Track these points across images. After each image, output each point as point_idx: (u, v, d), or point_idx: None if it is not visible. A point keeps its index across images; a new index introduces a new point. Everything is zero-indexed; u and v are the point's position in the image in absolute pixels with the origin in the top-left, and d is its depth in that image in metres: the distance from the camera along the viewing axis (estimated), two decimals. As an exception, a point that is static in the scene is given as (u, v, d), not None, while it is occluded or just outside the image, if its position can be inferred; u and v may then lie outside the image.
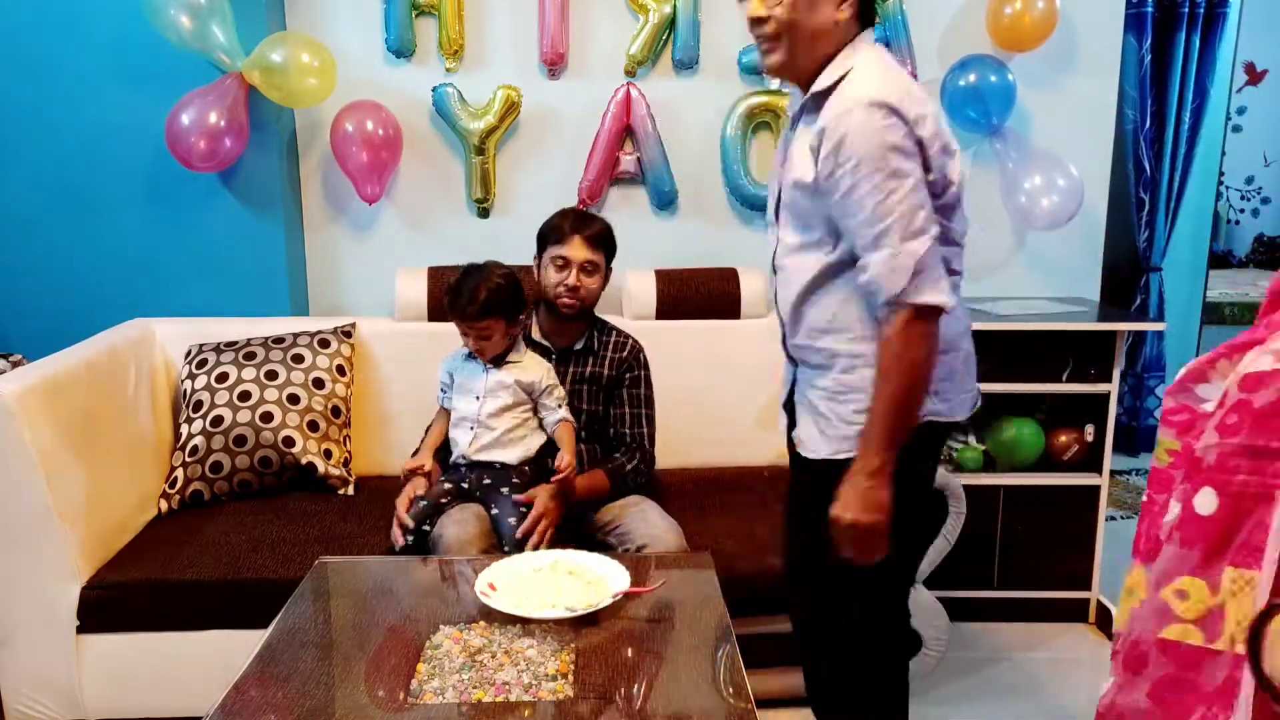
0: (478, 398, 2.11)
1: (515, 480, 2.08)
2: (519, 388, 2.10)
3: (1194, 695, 1.09)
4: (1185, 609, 1.11)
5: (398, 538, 2.05)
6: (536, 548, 1.96)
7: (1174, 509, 1.16)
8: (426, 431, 2.25)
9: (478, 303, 2.04)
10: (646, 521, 2.08)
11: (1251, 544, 1.08)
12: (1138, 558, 1.25)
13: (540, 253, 2.24)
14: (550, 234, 2.21)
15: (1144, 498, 1.29)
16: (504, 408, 2.10)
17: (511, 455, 2.10)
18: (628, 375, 2.27)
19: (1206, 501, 1.12)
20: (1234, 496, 1.10)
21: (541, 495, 2.04)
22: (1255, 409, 1.10)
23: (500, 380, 2.10)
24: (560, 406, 2.14)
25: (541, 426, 2.16)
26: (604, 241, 2.22)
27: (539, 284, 2.24)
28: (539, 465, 2.14)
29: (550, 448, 2.15)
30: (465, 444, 2.12)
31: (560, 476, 2.02)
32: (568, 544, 1.93)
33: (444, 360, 2.22)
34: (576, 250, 2.17)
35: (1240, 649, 1.07)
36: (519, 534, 1.99)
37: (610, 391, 2.27)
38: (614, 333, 2.31)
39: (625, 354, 2.28)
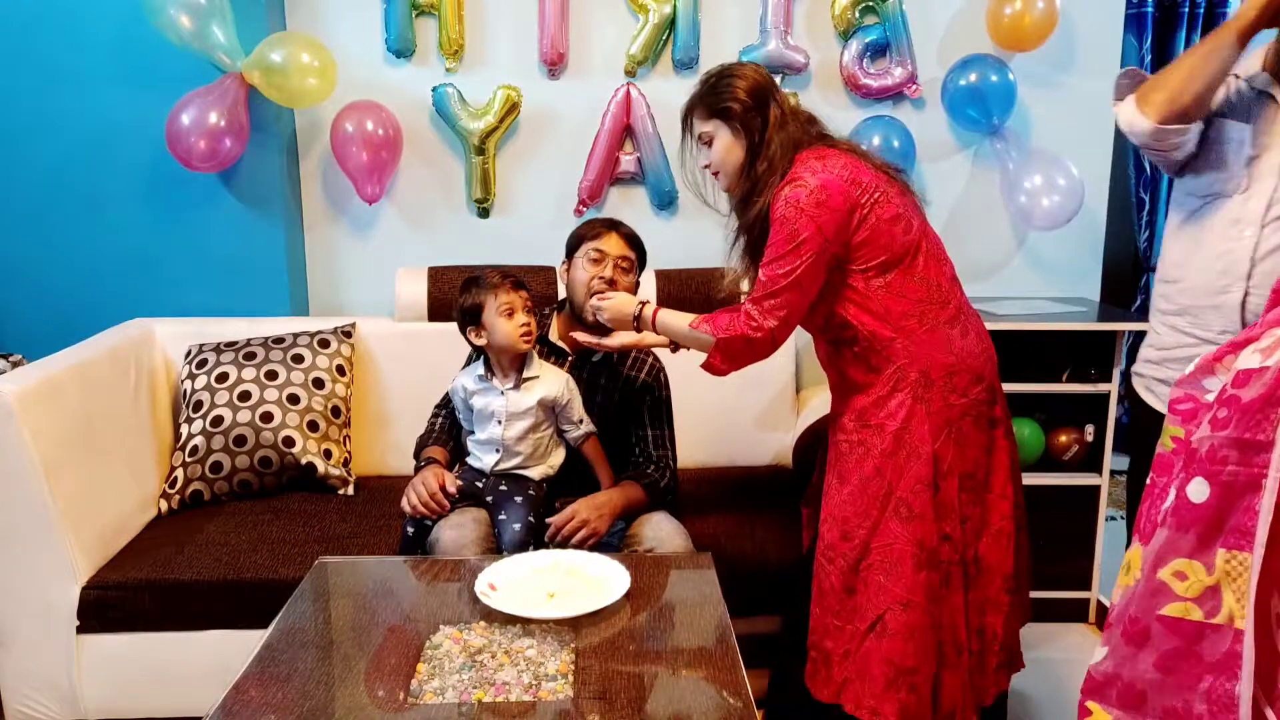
0: (499, 422, 2.06)
1: (531, 492, 2.06)
2: (540, 408, 2.05)
3: (1200, 665, 1.20)
4: (1184, 589, 1.21)
5: (424, 512, 2.02)
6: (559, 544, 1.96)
7: (1170, 495, 1.23)
8: (429, 441, 2.21)
9: (513, 276, 2.06)
10: (654, 525, 2.07)
11: (1242, 528, 1.17)
12: (1137, 535, 1.34)
13: (571, 255, 2.15)
14: (586, 233, 2.13)
15: (1148, 480, 1.34)
16: (528, 429, 2.06)
17: (535, 473, 2.09)
18: (648, 397, 2.21)
19: (1199, 490, 1.21)
20: (1224, 485, 1.19)
21: (582, 509, 2.01)
22: (1243, 403, 1.18)
23: (522, 403, 2.05)
24: (582, 422, 2.11)
25: (562, 439, 2.13)
26: (638, 244, 2.16)
27: (568, 288, 2.17)
28: (557, 479, 2.13)
29: (572, 461, 2.14)
30: (489, 464, 2.09)
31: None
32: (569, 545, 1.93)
33: (454, 385, 2.15)
34: (614, 245, 2.10)
35: (1240, 624, 1.16)
36: (548, 537, 1.98)
37: (625, 410, 2.20)
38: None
39: (645, 374, 2.21)
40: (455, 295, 2.09)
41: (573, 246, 2.16)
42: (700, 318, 1.84)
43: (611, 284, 2.09)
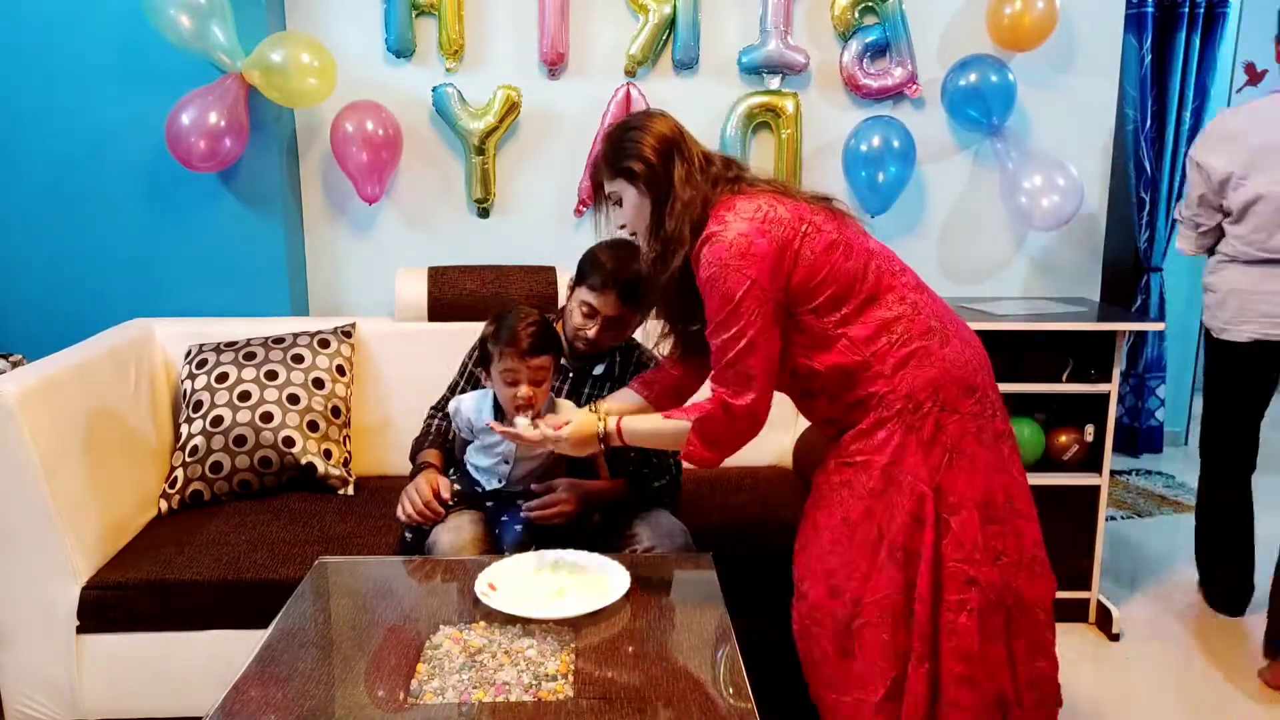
0: (506, 461, 2.01)
1: (532, 495, 2.05)
2: (552, 454, 1.98)
3: None
4: None
5: (419, 521, 2.00)
6: (538, 525, 1.95)
7: None
8: (425, 444, 2.18)
9: (532, 336, 1.86)
10: (654, 524, 2.06)
11: None
12: None
13: (576, 284, 2.04)
14: (589, 273, 2.00)
15: None
16: (536, 466, 2.03)
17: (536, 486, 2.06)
18: None
19: None
20: None
21: (560, 486, 2.00)
22: None
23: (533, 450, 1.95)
24: None
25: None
26: (637, 296, 1.97)
27: (564, 312, 2.10)
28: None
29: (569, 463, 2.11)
30: (488, 486, 2.05)
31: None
32: (571, 544, 1.93)
33: (456, 405, 2.05)
34: (609, 306, 1.98)
35: None
36: (526, 508, 1.97)
37: None
38: (637, 353, 2.18)
39: None
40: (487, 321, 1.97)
41: (577, 276, 2.05)
42: (672, 410, 1.72)
43: (594, 344, 2.03)
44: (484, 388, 2.04)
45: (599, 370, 2.16)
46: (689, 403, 1.71)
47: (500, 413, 1.97)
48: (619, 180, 1.69)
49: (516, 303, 2.00)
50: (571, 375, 2.15)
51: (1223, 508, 2.78)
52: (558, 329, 2.14)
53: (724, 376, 1.61)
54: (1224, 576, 2.83)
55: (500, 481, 2.04)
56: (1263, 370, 2.62)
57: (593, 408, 1.82)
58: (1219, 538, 2.81)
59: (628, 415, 1.76)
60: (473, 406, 2.02)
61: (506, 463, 2.02)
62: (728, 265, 1.56)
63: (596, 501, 2.06)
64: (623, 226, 1.74)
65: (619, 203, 1.71)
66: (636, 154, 1.66)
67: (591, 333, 2.02)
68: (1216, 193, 2.55)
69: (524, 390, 1.87)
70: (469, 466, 2.10)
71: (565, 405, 2.02)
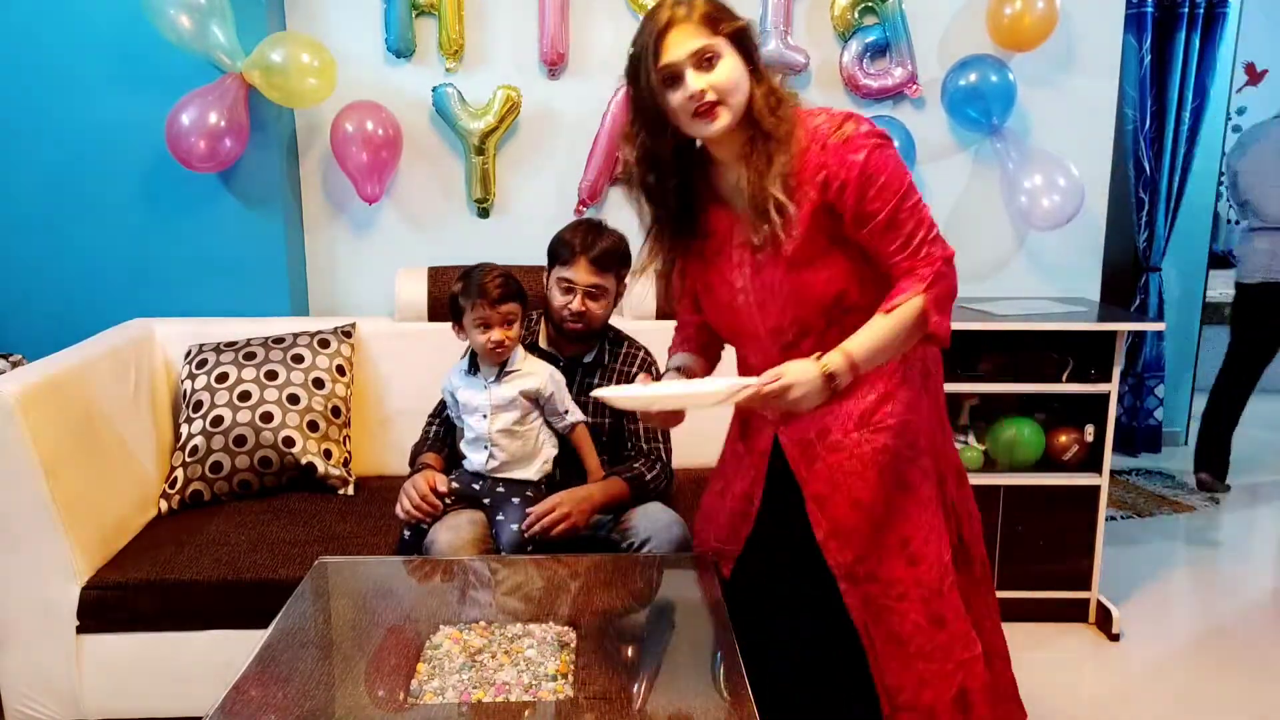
0: (484, 415, 2.06)
1: (529, 494, 2.06)
2: (524, 399, 2.05)
3: None
4: None
5: (418, 515, 2.03)
6: (537, 536, 1.95)
7: None
8: (424, 449, 2.21)
9: (500, 286, 1.99)
10: (649, 516, 2.06)
11: None
12: None
13: (550, 268, 2.14)
14: (559, 251, 2.09)
15: None
16: (514, 422, 2.06)
17: (530, 472, 2.08)
18: None
19: None
20: None
21: (566, 501, 1.99)
22: None
23: (504, 395, 2.05)
24: (568, 412, 2.10)
25: (554, 432, 2.12)
26: (613, 262, 2.08)
27: (546, 298, 2.17)
28: (554, 482, 2.12)
29: (564, 459, 2.13)
30: (481, 463, 2.08)
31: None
32: (571, 546, 1.92)
33: (443, 382, 2.16)
34: (582, 274, 2.05)
35: None
36: (525, 526, 1.96)
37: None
38: (625, 344, 2.22)
39: (637, 368, 2.20)
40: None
41: (550, 258, 2.13)
42: (891, 298, 1.46)
43: (582, 315, 2.08)
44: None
45: (589, 358, 2.18)
46: (894, 290, 1.48)
47: (476, 367, 2.09)
48: (718, 38, 1.46)
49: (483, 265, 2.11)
50: (562, 364, 2.17)
51: (1216, 421, 3.82)
52: (542, 324, 2.23)
53: (929, 252, 1.45)
54: (1209, 461, 3.85)
55: (486, 448, 2.06)
56: (1267, 311, 3.61)
57: (818, 356, 1.45)
58: (1210, 436, 3.84)
59: (851, 342, 1.45)
60: (456, 369, 2.13)
61: (485, 417, 2.05)
62: (878, 144, 1.47)
63: (601, 509, 2.07)
64: (696, 96, 1.45)
65: (709, 60, 1.45)
66: (740, 17, 1.48)
67: (575, 305, 2.07)
68: (1232, 187, 3.74)
69: (496, 334, 2.00)
70: (462, 448, 2.13)
71: (528, 358, 2.09)
